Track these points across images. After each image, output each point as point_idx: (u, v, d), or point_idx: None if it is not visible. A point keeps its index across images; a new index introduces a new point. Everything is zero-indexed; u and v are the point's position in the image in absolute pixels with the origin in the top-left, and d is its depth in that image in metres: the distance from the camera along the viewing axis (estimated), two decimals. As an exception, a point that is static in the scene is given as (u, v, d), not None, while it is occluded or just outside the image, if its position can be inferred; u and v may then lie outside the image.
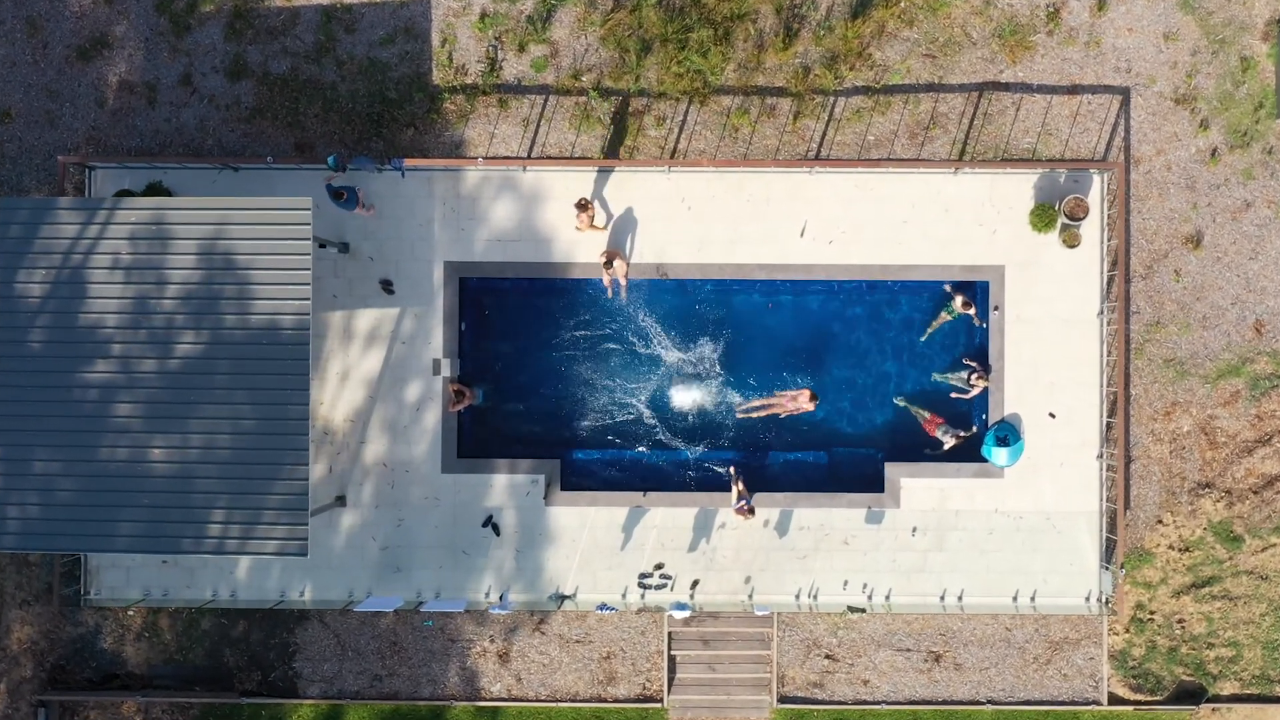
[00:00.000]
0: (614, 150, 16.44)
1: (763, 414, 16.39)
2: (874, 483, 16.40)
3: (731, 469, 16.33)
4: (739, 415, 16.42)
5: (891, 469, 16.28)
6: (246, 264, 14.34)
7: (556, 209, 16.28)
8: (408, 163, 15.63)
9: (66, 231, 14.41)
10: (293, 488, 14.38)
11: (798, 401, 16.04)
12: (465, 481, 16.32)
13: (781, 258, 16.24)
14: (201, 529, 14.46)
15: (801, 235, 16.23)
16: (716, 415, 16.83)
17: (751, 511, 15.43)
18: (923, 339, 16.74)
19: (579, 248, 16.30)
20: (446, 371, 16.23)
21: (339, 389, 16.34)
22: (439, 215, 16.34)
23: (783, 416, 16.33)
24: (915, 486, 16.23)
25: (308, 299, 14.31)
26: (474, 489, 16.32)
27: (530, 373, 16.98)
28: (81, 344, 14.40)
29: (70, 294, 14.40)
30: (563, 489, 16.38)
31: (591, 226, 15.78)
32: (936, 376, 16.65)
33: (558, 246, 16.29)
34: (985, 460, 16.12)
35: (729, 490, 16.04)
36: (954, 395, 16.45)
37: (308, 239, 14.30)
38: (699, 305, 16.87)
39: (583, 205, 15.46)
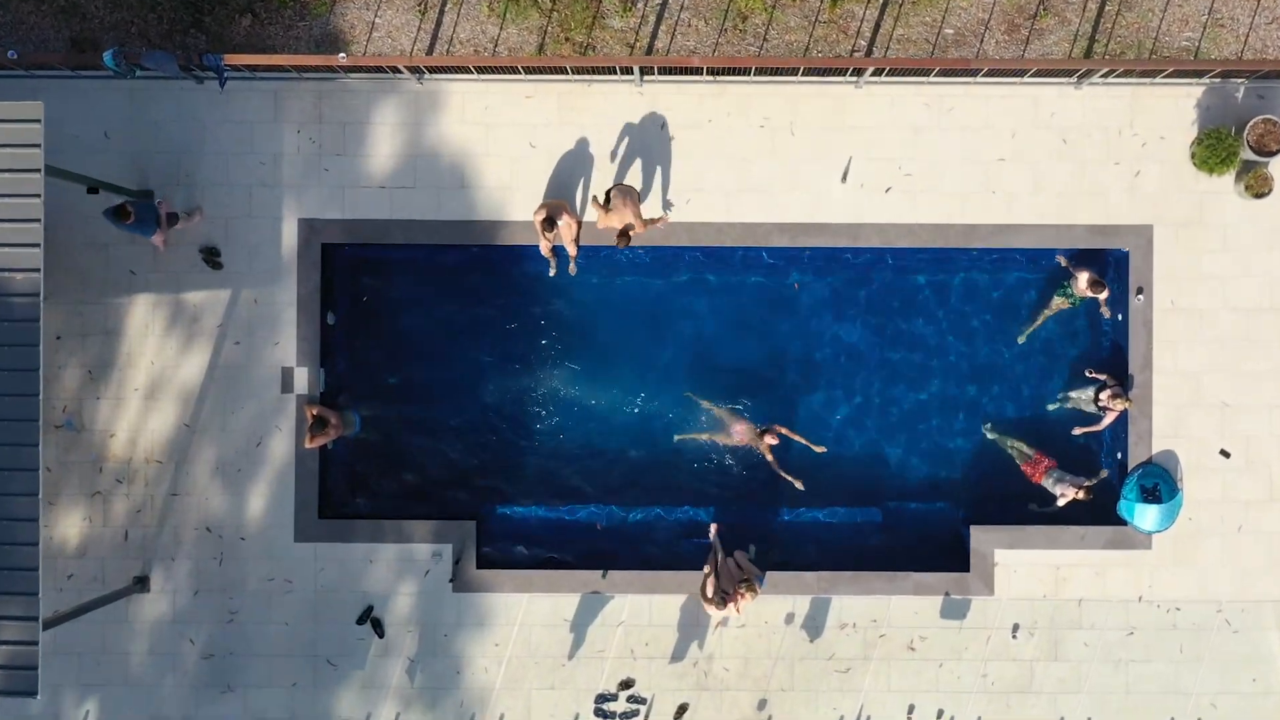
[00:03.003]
0: (557, 49, 10.84)
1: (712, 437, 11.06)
2: (953, 556, 10.85)
3: (714, 530, 10.76)
4: (676, 439, 11.10)
5: (980, 536, 10.69)
6: (-63, 212, 8.69)
7: (471, 139, 10.69)
8: (230, 61, 9.94)
9: None
10: (15, 580, 8.70)
11: (743, 435, 10.69)
12: (331, 555, 10.71)
13: (813, 214, 10.67)
14: None
15: (843, 180, 10.67)
16: (710, 454, 11.20)
17: (751, 589, 9.85)
18: (1024, 338, 11.18)
19: (507, 199, 10.73)
20: (303, 387, 10.66)
21: (141, 413, 10.72)
22: (290, 149, 10.73)
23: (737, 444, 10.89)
24: (1016, 562, 10.65)
25: (37, 270, 8.67)
26: (345, 566, 10.70)
27: (432, 389, 11.30)
28: None
29: None
30: (480, 565, 10.77)
31: (642, 223, 10.19)
32: (1061, 397, 11.07)
33: (473, 196, 10.70)
34: (1124, 522, 10.58)
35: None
36: (1077, 428, 10.88)
37: (37, 169, 8.66)
38: (687, 286, 11.25)
39: (607, 199, 10.12)
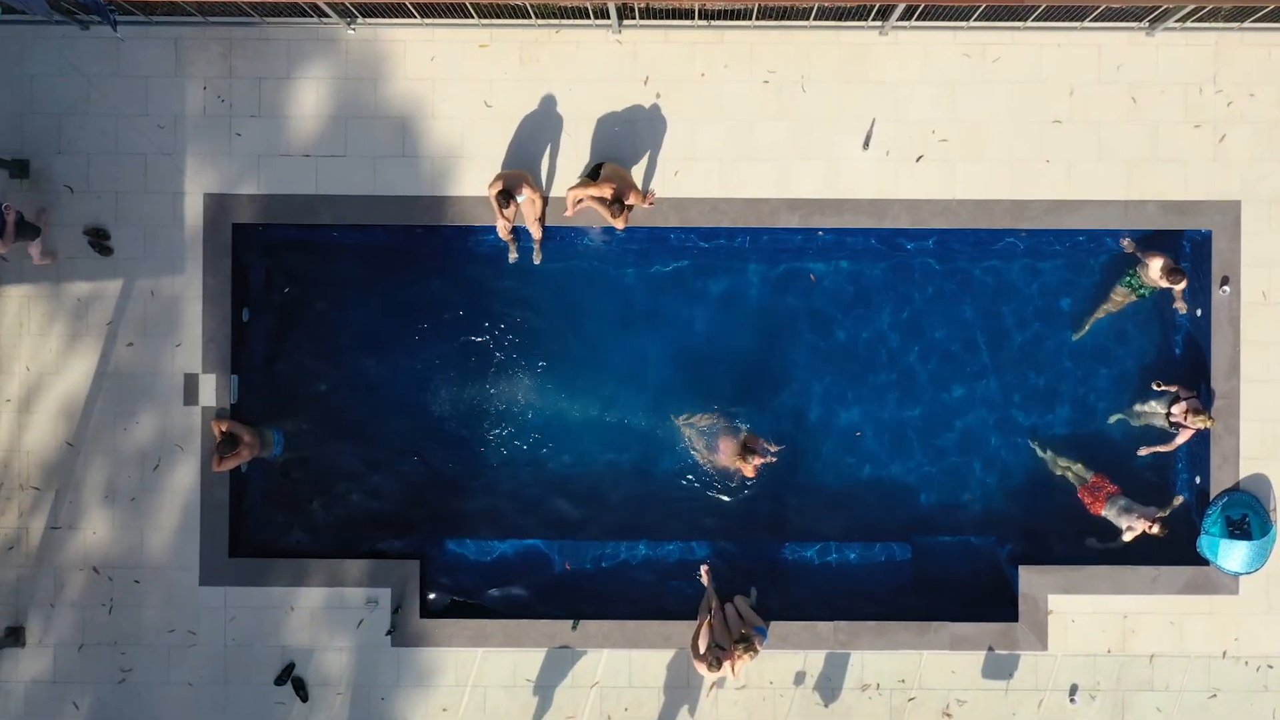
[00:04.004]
0: (520, -10, 8.99)
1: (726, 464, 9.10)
2: (998, 602, 9.00)
3: (706, 572, 8.94)
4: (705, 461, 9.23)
5: (1030, 578, 8.83)
6: None
7: (414, 97, 8.85)
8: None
9: None
10: None
11: (729, 455, 8.86)
12: (245, 601, 8.86)
13: (829, 188, 8.83)
14: None
15: (865, 147, 8.82)
16: (701, 477, 9.32)
17: (751, 647, 8.05)
18: (1079, 336, 9.34)
19: (458, 169, 8.87)
20: (211, 398, 8.82)
21: (13, 429, 8.92)
22: (194, 109, 8.88)
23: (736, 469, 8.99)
24: (1074, 610, 8.81)
25: None
26: (261, 615, 8.85)
27: (369, 401, 9.43)
28: None
29: None
30: (424, 614, 8.90)
31: (639, 195, 8.48)
32: (1125, 410, 9.23)
33: (417, 167, 8.87)
34: (1205, 562, 8.76)
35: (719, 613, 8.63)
36: (1144, 448, 9.03)
37: None
38: (675, 277, 9.39)
39: (596, 173, 8.50)
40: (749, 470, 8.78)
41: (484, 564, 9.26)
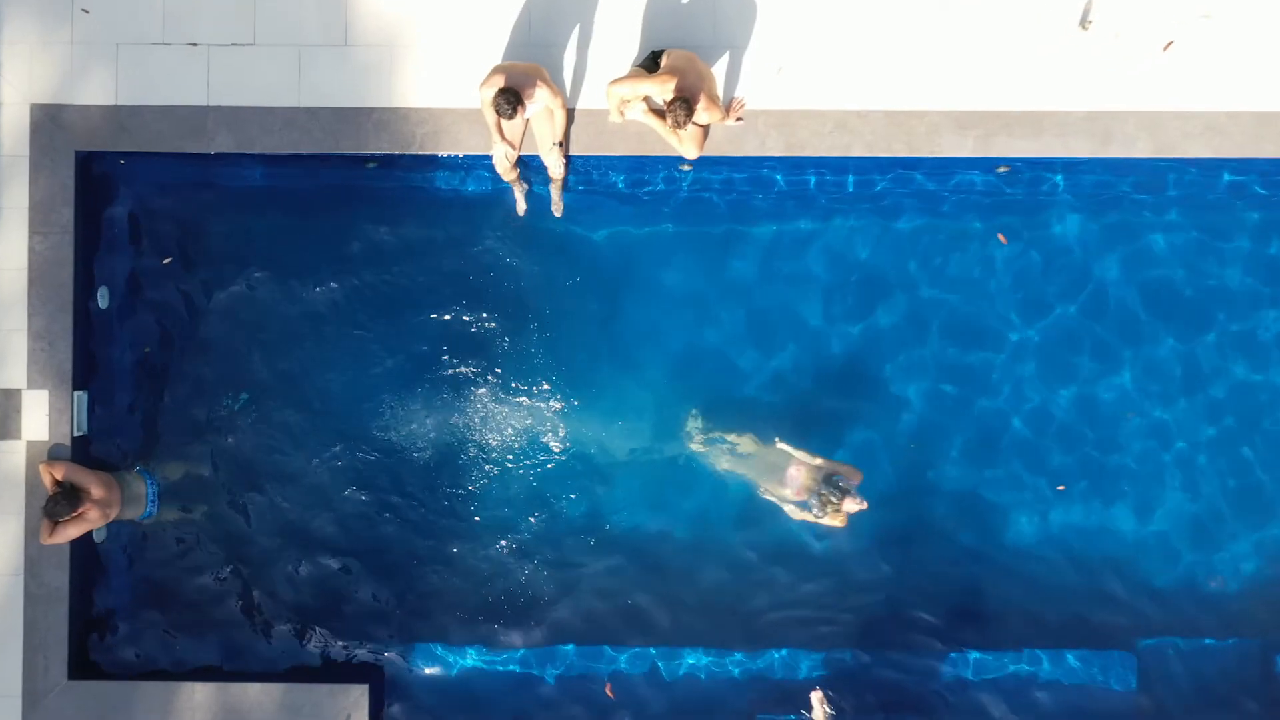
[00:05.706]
0: None
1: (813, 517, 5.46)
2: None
3: (820, 699, 5.72)
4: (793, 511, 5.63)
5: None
6: None
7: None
8: None
9: None
10: None
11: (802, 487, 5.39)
12: (93, 747, 5.70)
13: (1019, 96, 5.73)
14: None
15: (1083, 26, 5.79)
16: (801, 543, 6.03)
17: None
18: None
19: (427, 66, 5.75)
20: (43, 429, 5.88)
21: None
22: (13, -31, 5.75)
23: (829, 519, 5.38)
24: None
25: None
26: (118, 770, 5.70)
27: (290, 433, 6.15)
28: None
29: None
30: (379, 768, 5.72)
31: (718, 107, 5.30)
32: None
33: (366, 60, 5.80)
34: None
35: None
36: None
37: None
38: (778, 241, 6.13)
39: (654, 61, 5.38)
40: (835, 518, 5.42)
41: (470, 689, 5.98)
